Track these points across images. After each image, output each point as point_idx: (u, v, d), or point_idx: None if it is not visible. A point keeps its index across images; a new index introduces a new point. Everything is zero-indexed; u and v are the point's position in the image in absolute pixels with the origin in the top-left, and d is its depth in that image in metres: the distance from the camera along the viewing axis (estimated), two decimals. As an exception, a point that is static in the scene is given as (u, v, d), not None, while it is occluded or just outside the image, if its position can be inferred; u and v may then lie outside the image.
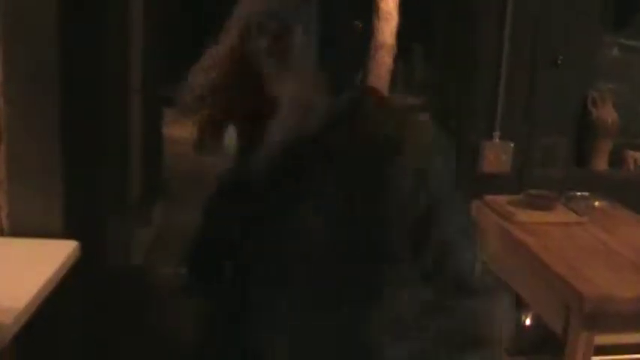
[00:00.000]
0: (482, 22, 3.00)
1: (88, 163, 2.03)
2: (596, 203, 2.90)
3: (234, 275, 1.27)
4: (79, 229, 1.89)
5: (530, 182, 2.98)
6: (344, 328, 1.21)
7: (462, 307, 1.20)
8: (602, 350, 2.12)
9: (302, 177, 1.20)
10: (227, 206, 1.29)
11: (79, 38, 1.92)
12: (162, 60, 3.81)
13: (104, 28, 2.22)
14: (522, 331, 2.74)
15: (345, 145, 1.20)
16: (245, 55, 1.12)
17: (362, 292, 1.21)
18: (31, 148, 1.84)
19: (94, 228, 2.11)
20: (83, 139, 1.99)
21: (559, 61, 3.02)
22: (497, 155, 3.05)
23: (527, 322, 2.76)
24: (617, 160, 3.29)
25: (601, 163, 3.21)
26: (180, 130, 1.37)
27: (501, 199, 2.83)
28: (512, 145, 3.06)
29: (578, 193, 2.93)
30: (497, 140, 3.05)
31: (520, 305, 2.63)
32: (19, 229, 1.85)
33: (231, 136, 1.23)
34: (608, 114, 3.16)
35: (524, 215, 2.68)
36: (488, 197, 2.85)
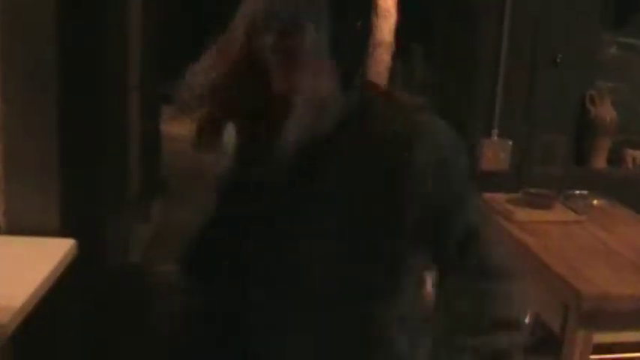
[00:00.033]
0: (482, 20, 3.00)
1: (86, 161, 2.02)
2: (595, 202, 2.90)
3: (239, 275, 1.26)
4: (77, 228, 1.88)
5: (529, 180, 2.98)
6: (357, 326, 1.22)
7: (489, 290, 1.23)
8: (600, 349, 2.12)
9: (316, 177, 1.19)
10: (228, 206, 1.28)
11: (77, 36, 1.91)
12: (160, 57, 3.81)
13: (103, 26, 2.22)
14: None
15: (356, 144, 1.19)
16: (251, 53, 1.10)
17: (374, 292, 1.22)
18: (28, 146, 1.83)
19: (92, 226, 2.11)
20: (81, 137, 1.99)
21: (558, 60, 3.02)
22: (495, 153, 3.05)
23: (526, 320, 2.76)
24: (615, 158, 3.29)
25: (600, 162, 3.21)
26: (178, 128, 1.36)
27: (500, 198, 2.83)
28: (510, 143, 3.06)
29: (577, 192, 2.93)
30: (495, 138, 3.05)
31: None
32: (16, 228, 1.85)
33: (230, 134, 1.23)
34: (607, 112, 3.16)
35: (523, 214, 2.68)
36: (487, 195, 2.84)
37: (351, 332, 1.23)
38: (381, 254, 1.21)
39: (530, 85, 3.04)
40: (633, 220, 2.78)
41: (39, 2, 1.77)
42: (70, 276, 1.77)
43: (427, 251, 1.25)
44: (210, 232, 1.31)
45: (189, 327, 1.36)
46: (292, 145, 1.11)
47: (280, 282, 1.23)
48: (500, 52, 2.99)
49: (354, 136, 1.20)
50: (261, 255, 1.24)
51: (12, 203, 1.84)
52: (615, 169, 3.27)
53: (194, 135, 1.21)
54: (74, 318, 1.98)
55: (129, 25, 2.99)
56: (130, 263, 3.02)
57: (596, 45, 3.24)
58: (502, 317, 1.23)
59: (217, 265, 1.30)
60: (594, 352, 2.10)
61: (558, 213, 2.74)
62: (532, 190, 2.81)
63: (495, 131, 3.04)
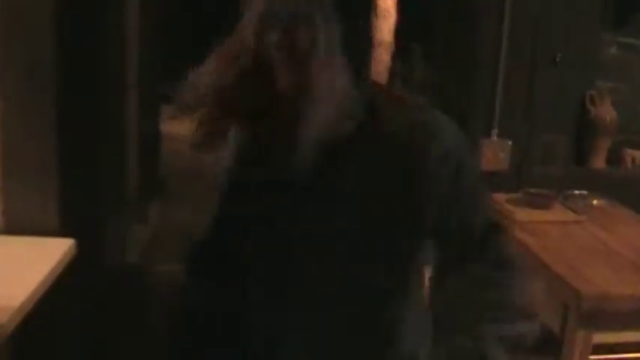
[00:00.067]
0: (482, 20, 3.00)
1: (85, 161, 2.02)
2: (595, 202, 2.90)
3: (243, 275, 1.26)
4: (76, 227, 1.88)
5: (528, 180, 2.98)
6: (359, 327, 1.23)
7: (508, 280, 1.25)
8: (600, 349, 2.12)
9: (334, 177, 1.19)
10: (228, 205, 1.28)
11: (76, 36, 1.91)
12: (160, 57, 3.80)
13: (102, 26, 2.21)
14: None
15: (374, 144, 1.19)
16: (259, 53, 1.09)
17: (381, 291, 1.22)
18: (27, 146, 1.83)
19: (91, 226, 2.11)
20: (80, 137, 1.98)
21: (557, 59, 3.02)
22: (495, 153, 3.05)
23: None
24: (615, 158, 3.29)
25: (599, 162, 3.21)
26: (178, 127, 1.35)
27: (500, 197, 2.83)
28: (510, 143, 3.06)
29: (577, 192, 2.93)
30: (495, 138, 3.05)
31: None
32: (15, 227, 1.85)
33: (232, 134, 1.22)
34: (606, 112, 3.16)
35: (523, 214, 2.68)
36: (487, 195, 2.84)
37: (351, 332, 1.22)
38: (397, 254, 1.21)
39: (530, 85, 3.04)
40: (633, 220, 2.78)
41: (38, 2, 1.76)
42: (69, 276, 1.76)
43: (434, 249, 1.25)
44: (210, 232, 1.30)
45: (189, 327, 1.35)
46: (311, 145, 1.08)
47: (280, 282, 1.23)
48: (500, 52, 2.99)
49: (371, 136, 1.19)
50: (262, 255, 1.24)
51: (11, 203, 1.84)
52: (615, 169, 3.27)
53: (195, 135, 1.20)
54: (73, 318, 1.98)
55: (127, 24, 2.99)
56: (130, 263, 3.01)
57: (596, 45, 3.24)
58: (520, 306, 1.25)
59: (217, 264, 1.30)
60: (594, 353, 2.10)
61: (558, 213, 2.74)
62: (532, 190, 2.81)
63: (495, 131, 3.04)
